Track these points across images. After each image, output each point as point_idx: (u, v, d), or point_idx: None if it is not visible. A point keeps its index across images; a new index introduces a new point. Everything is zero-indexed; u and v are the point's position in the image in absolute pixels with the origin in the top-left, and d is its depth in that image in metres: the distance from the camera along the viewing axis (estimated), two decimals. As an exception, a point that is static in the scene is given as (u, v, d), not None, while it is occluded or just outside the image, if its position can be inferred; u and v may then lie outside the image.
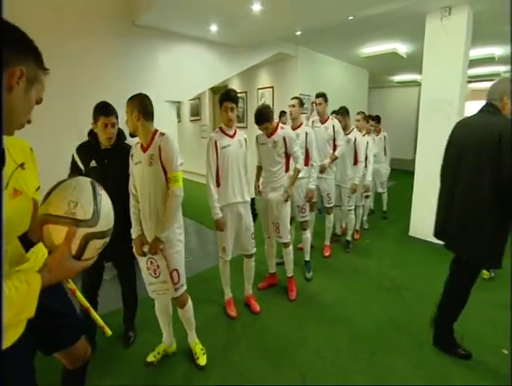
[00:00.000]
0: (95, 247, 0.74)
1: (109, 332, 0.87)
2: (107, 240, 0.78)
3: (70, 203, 0.70)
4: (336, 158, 3.12)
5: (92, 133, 1.86)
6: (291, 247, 2.56)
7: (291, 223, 2.96)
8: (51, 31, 2.65)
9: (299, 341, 2.10)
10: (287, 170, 2.45)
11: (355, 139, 3.33)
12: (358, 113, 3.93)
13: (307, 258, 2.96)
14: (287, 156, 2.41)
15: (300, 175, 2.69)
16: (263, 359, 1.94)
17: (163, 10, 2.88)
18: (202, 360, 1.85)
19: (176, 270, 1.70)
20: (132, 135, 1.69)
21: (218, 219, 2.08)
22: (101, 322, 0.87)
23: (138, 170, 1.65)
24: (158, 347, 1.91)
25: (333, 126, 3.10)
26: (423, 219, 3.69)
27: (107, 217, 0.77)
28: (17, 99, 0.69)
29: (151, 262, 1.70)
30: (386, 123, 4.99)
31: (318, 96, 3.10)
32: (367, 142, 3.55)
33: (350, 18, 3.47)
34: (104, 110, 1.76)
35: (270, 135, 2.35)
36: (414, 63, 5.53)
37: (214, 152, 2.06)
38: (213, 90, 6.63)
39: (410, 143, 8.09)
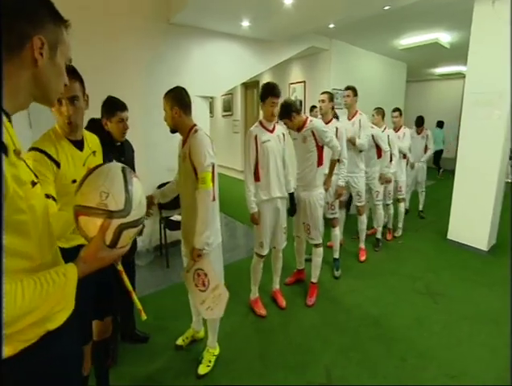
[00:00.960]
0: (129, 235, 0.74)
1: (144, 316, 0.89)
2: (140, 227, 0.77)
3: (102, 194, 0.68)
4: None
5: (102, 130, 1.75)
6: (321, 248, 2.48)
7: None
8: (93, 31, 2.83)
9: (325, 339, 2.07)
10: (319, 164, 2.33)
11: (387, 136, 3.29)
12: (394, 110, 3.79)
13: (336, 256, 2.91)
14: (320, 150, 2.30)
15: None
16: (288, 356, 1.93)
17: (197, 7, 2.94)
18: (202, 369, 1.77)
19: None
20: (173, 131, 1.66)
21: (254, 213, 2.09)
22: (139, 305, 0.89)
23: (179, 163, 1.71)
24: (187, 332, 2.00)
25: (359, 121, 2.99)
26: (463, 222, 3.44)
27: (139, 205, 0.74)
28: (45, 70, 0.66)
29: (198, 274, 1.63)
30: (426, 119, 4.69)
31: (347, 88, 2.98)
32: (388, 135, 3.38)
33: (386, 8, 3.30)
34: (120, 105, 1.74)
35: (299, 130, 2.29)
36: (459, 53, 5.12)
37: (254, 146, 2.05)
38: (245, 85, 6.68)
39: (453, 140, 7.55)
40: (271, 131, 2.11)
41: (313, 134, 2.24)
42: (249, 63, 4.09)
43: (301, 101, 5.38)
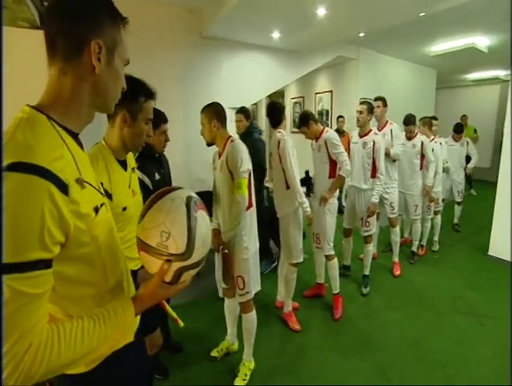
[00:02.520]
0: (189, 275, 0.69)
1: (181, 323, 0.86)
2: (202, 265, 0.71)
3: (162, 234, 0.63)
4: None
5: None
6: (334, 260, 2.41)
7: (349, 235, 2.86)
8: (129, 45, 2.98)
9: (362, 360, 1.98)
10: (331, 176, 2.33)
11: (422, 143, 3.09)
12: (420, 120, 3.54)
13: (367, 272, 2.80)
14: (332, 162, 2.30)
15: (365, 187, 2.59)
16: (322, 374, 1.87)
17: (229, 20, 3.02)
18: (238, 382, 1.77)
19: (241, 277, 1.70)
20: (209, 144, 1.71)
21: (308, 216, 2.11)
22: (174, 314, 0.87)
23: (216, 175, 1.74)
24: (221, 344, 1.99)
25: (391, 131, 2.90)
26: (507, 237, 3.21)
27: (202, 245, 0.68)
28: (103, 77, 0.62)
29: (225, 261, 1.74)
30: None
31: (376, 99, 2.93)
32: (432, 149, 3.25)
33: (421, 14, 3.23)
34: (164, 117, 1.75)
35: (316, 140, 2.35)
36: (497, 57, 4.90)
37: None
38: (270, 95, 6.73)
39: (488, 149, 7.15)
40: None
41: (326, 145, 2.26)
42: (277, 74, 4.13)
43: (327, 111, 5.34)
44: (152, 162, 1.76)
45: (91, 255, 0.61)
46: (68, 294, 0.60)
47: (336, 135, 2.33)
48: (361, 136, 2.61)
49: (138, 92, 1.09)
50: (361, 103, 2.63)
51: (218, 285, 1.84)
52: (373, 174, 2.58)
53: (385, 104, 2.92)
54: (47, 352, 0.50)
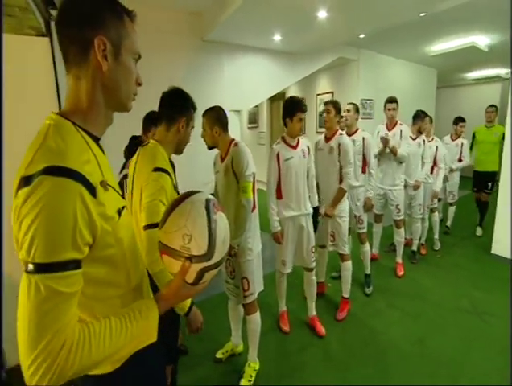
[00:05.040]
0: (210, 275, 0.71)
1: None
2: (222, 265, 0.74)
3: (184, 237, 0.65)
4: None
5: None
6: (349, 262, 2.40)
7: (348, 235, 2.84)
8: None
9: (365, 358, 1.99)
10: (341, 182, 2.28)
11: (423, 141, 3.15)
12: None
13: (368, 272, 2.79)
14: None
15: (357, 184, 2.62)
16: (329, 376, 1.87)
17: (231, 24, 3.04)
18: (244, 383, 1.78)
19: (245, 278, 1.72)
20: (210, 148, 1.72)
21: (276, 233, 2.03)
22: None
23: (218, 178, 1.76)
24: (226, 345, 2.01)
25: (401, 131, 2.91)
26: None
27: (222, 245, 0.70)
28: (111, 74, 0.61)
29: (229, 264, 1.77)
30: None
31: (391, 101, 2.90)
32: (436, 147, 3.37)
33: (422, 15, 3.25)
34: None
35: (328, 140, 2.29)
36: (498, 56, 4.90)
37: (276, 164, 2.00)
38: (271, 98, 6.75)
39: (489, 147, 7.13)
40: (295, 147, 2.04)
41: (339, 148, 2.21)
42: (278, 76, 4.16)
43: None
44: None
45: (116, 256, 0.63)
46: (94, 295, 0.62)
47: (351, 142, 2.31)
48: (349, 134, 2.60)
49: (191, 104, 1.31)
50: (349, 103, 2.69)
51: (224, 287, 1.86)
52: (364, 170, 2.66)
53: (397, 105, 2.92)
54: (79, 351, 0.51)
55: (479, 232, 4.07)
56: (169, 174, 1.16)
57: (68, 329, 0.51)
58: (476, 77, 7.28)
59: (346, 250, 2.35)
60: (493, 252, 3.41)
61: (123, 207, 0.68)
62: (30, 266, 0.49)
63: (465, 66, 6.30)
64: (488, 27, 4.06)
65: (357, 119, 2.70)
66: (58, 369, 0.48)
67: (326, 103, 2.34)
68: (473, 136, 4.11)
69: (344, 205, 2.33)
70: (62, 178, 0.50)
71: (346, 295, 2.46)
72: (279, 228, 2.03)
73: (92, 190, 0.55)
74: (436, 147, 3.37)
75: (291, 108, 2.00)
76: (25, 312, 0.49)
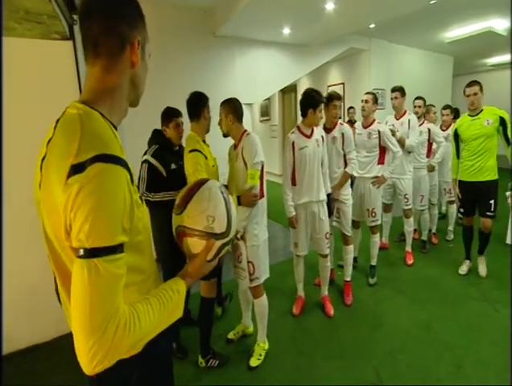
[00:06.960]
0: (225, 250, 0.81)
1: None
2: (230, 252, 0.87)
3: (208, 218, 0.73)
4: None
5: (163, 137, 1.97)
6: (351, 246, 2.51)
7: (357, 227, 2.89)
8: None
9: (372, 342, 2.07)
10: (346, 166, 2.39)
11: (428, 130, 3.14)
12: (445, 108, 3.55)
13: (373, 263, 2.84)
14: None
15: (372, 175, 2.64)
16: (336, 357, 1.96)
17: (242, 18, 3.10)
18: (254, 362, 1.87)
19: (251, 262, 1.80)
20: (225, 135, 1.84)
21: (291, 217, 2.14)
22: None
23: (231, 165, 1.86)
24: (237, 327, 2.14)
25: (409, 121, 2.91)
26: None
27: (235, 223, 0.81)
28: (139, 71, 0.65)
29: (237, 248, 1.83)
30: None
31: (394, 90, 2.93)
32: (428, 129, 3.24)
33: (432, 2, 3.19)
34: (175, 112, 1.96)
35: (329, 131, 2.34)
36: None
37: (291, 153, 2.10)
38: (283, 90, 6.77)
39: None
40: (309, 136, 2.12)
41: (343, 137, 2.31)
42: (288, 68, 4.20)
43: (340, 103, 5.33)
44: (170, 153, 1.97)
45: (142, 243, 0.66)
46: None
47: (350, 130, 2.39)
48: (365, 127, 2.64)
49: (207, 99, 1.83)
50: (366, 93, 2.64)
51: (234, 272, 1.97)
52: (382, 161, 2.65)
53: (403, 94, 2.91)
54: (131, 329, 0.53)
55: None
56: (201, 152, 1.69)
57: (121, 308, 0.53)
58: (496, 63, 7.01)
59: (350, 232, 2.47)
60: (507, 242, 3.37)
61: (140, 196, 0.71)
62: (89, 251, 0.50)
63: (483, 52, 6.09)
64: (505, 10, 3.93)
65: (374, 110, 2.62)
66: (116, 347, 0.51)
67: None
68: (455, 134, 2.75)
69: (348, 190, 2.43)
70: (112, 164, 0.53)
71: (348, 278, 2.56)
72: (294, 213, 2.14)
73: (131, 176, 0.58)
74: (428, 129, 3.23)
75: (315, 99, 2.06)
76: (86, 296, 0.50)
